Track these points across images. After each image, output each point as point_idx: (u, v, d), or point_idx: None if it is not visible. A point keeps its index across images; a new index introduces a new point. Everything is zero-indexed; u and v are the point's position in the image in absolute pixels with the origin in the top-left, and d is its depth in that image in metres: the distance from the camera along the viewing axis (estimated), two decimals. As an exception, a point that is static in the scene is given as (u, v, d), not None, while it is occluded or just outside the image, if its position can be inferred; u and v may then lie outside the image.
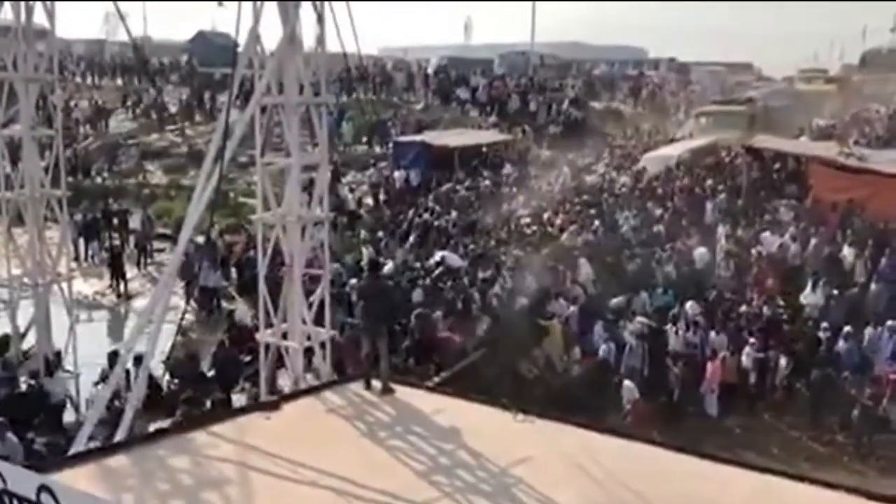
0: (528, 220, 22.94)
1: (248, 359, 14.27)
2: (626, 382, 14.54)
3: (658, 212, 22.34)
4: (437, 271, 18.37)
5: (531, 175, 28.52)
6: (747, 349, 15.25)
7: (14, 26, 13.16)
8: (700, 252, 19.30)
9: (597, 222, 21.60)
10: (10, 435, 10.79)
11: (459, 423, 8.94)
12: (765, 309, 16.56)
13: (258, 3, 10.44)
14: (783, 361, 15.01)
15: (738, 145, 28.02)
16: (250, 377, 13.23)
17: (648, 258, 19.12)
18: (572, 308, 16.96)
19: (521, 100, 38.52)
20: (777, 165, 26.07)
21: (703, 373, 15.03)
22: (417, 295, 17.24)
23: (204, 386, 13.23)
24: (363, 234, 22.62)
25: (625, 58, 66.97)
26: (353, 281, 16.56)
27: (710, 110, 35.69)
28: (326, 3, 10.66)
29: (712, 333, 15.71)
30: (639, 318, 16.20)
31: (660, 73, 57.03)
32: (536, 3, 56.10)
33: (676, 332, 15.86)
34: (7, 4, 13.03)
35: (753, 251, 19.30)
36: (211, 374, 14.39)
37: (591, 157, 30.84)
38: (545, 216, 22.91)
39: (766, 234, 20.14)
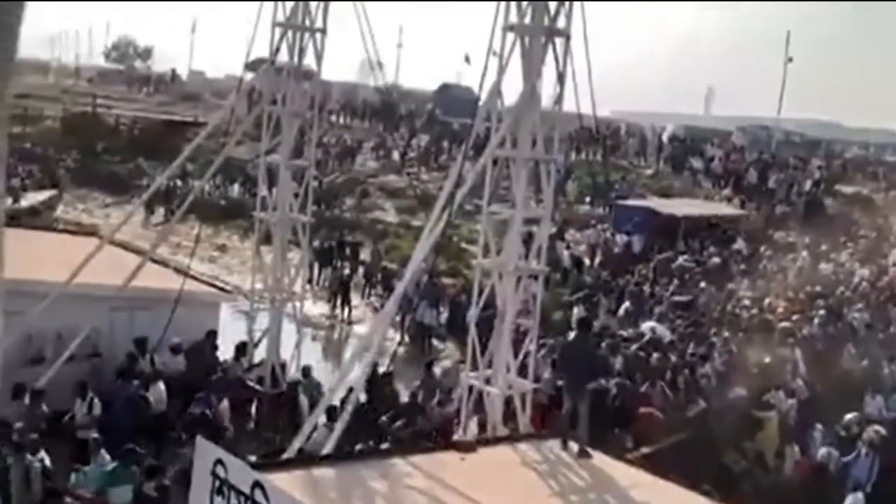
0: (748, 302, 21.64)
1: None
2: (853, 496, 13.11)
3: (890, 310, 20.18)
4: (642, 341, 17.84)
5: (763, 255, 26.97)
6: None
7: (286, 67, 14.70)
8: None
9: (822, 312, 19.94)
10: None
11: (655, 502, 8.56)
12: None
13: (503, 60, 10.90)
14: None
15: None
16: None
17: (879, 357, 17.32)
18: (791, 401, 15.74)
19: (759, 175, 36.75)
20: None
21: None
22: (618, 363, 16.85)
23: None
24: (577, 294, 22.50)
25: (882, 141, 61.80)
26: (560, 338, 16.49)
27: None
28: (568, 67, 10.91)
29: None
30: (874, 427, 14.65)
31: (922, 160, 52.03)
32: (788, 77, 53.04)
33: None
34: (284, 48, 14.59)
35: None
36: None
37: (831, 245, 28.60)
38: (767, 301, 21.50)
39: None
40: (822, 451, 14.39)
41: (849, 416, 14.82)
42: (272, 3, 14.37)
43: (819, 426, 15.00)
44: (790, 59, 52.86)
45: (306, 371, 14.97)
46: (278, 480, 7.20)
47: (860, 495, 13.02)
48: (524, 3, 10.77)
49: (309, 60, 14.76)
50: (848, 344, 18.29)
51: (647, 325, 19.05)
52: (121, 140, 42.76)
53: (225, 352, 15.14)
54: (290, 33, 14.54)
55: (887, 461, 14.07)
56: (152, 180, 26.64)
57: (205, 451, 7.55)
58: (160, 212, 32.30)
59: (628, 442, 14.59)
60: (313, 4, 14.39)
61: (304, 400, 13.99)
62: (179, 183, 32.45)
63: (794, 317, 19.87)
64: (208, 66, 78.28)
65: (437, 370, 16.25)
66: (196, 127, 38.55)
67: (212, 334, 15.03)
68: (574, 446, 9.82)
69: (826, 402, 15.96)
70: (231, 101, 17.06)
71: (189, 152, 16.28)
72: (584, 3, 10.66)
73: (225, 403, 13.05)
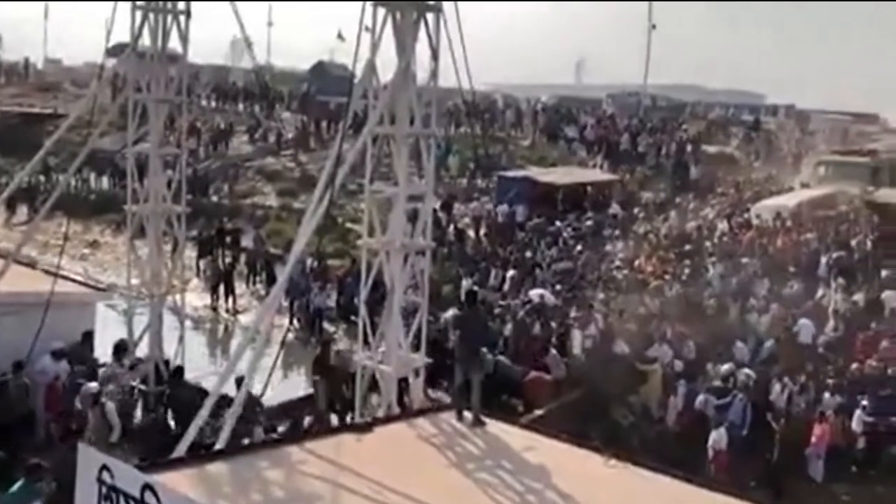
0: (622, 263, 22.53)
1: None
2: (715, 432, 13.98)
3: (753, 262, 21.43)
4: (526, 308, 18.33)
5: (636, 217, 28.10)
6: (858, 412, 14.44)
7: (150, 51, 14.08)
8: (801, 307, 18.48)
9: (686, 270, 21.01)
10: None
11: (549, 462, 8.84)
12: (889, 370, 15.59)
13: (376, 35, 10.81)
14: None
15: (859, 198, 26.76)
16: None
17: (738, 310, 18.46)
18: (670, 354, 16.56)
19: (630, 140, 38.14)
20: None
21: (808, 432, 14.30)
22: (507, 331, 17.26)
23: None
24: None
25: (741, 102, 65.25)
26: (450, 311, 16.71)
27: (830, 159, 34.27)
28: (442, 41, 10.91)
29: (826, 394, 14.90)
30: (744, 371, 15.61)
31: (777, 119, 55.28)
32: (652, 44, 55.25)
33: (783, 389, 15.15)
34: (146, 31, 13.95)
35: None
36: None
37: (699, 203, 30.09)
38: (637, 262, 22.44)
39: (887, 293, 19.10)
40: (700, 398, 15.23)
41: (724, 367, 15.71)
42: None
43: (698, 376, 15.86)
44: (654, 27, 55.05)
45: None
46: (169, 480, 6.99)
47: (723, 431, 13.91)
48: (393, -21, 10.70)
49: (174, 44, 14.21)
50: (709, 296, 19.33)
51: (534, 293, 19.53)
52: (-30, 136, 39.92)
53: (103, 353, 14.49)
54: (151, 16, 13.92)
55: (759, 403, 15.05)
56: (11, 178, 25.11)
57: (88, 458, 7.23)
58: (23, 210, 30.54)
59: (521, 409, 15.02)
60: (174, -15, 13.81)
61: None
62: (42, 179, 30.73)
63: (665, 275, 20.82)
64: (65, 54, 73.49)
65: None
66: (56, 119, 36.53)
67: (88, 336, 14.36)
68: (468, 416, 10.00)
69: (698, 352, 16.86)
70: (93, 89, 16.22)
71: (50, 145, 15.43)
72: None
73: (111, 405, 12.49)
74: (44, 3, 77.25)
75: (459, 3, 10.77)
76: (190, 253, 23.06)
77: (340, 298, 21.30)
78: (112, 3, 13.61)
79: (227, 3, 13.76)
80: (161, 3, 13.83)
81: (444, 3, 10.78)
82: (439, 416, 10.22)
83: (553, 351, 16.56)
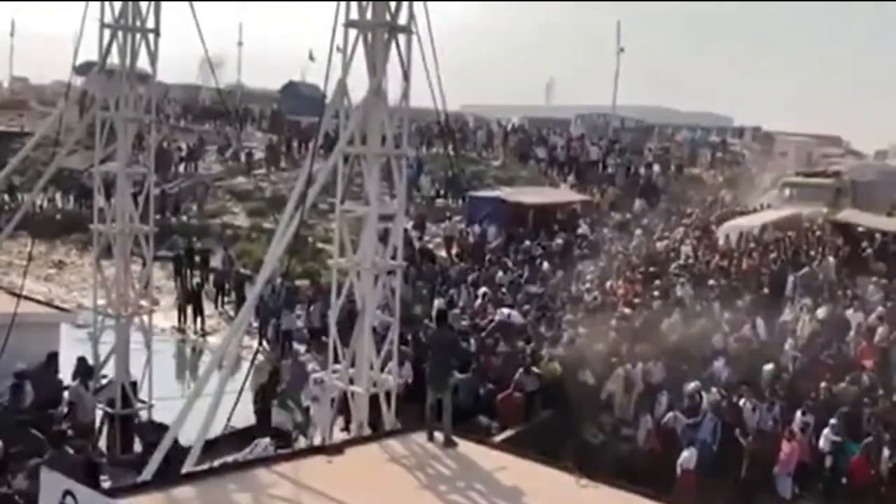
0: (590, 284, 22.65)
1: None
2: (686, 451, 14.06)
3: (720, 282, 21.66)
4: (490, 327, 18.38)
5: (605, 237, 28.32)
6: (826, 431, 14.58)
7: (118, 69, 13.96)
8: (763, 325, 18.71)
9: (656, 293, 21.17)
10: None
11: (521, 483, 8.80)
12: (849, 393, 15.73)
13: (347, 56, 10.83)
14: (886, 452, 14.07)
15: (823, 218, 27.24)
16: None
17: (706, 327, 18.66)
18: (640, 373, 16.67)
19: (598, 161, 38.54)
20: (864, 242, 25.21)
21: (777, 451, 14.41)
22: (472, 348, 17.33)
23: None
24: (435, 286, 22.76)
25: (709, 124, 66.25)
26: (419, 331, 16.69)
27: (794, 181, 34.92)
28: (414, 60, 10.97)
29: (797, 413, 15.02)
30: (714, 390, 15.71)
31: (744, 141, 56.20)
32: (620, 65, 55.97)
33: (754, 409, 15.25)
34: (114, 49, 13.83)
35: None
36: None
37: (665, 224, 30.41)
38: (608, 284, 22.57)
39: (850, 312, 19.40)
40: (669, 415, 15.30)
41: (691, 385, 15.81)
42: (98, 2, 13.59)
43: (665, 393, 15.94)
44: (622, 50, 55.80)
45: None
46: (135, 505, 6.86)
47: (693, 450, 13.98)
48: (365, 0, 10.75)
49: (144, 62, 14.11)
50: (678, 316, 19.48)
51: (503, 312, 19.56)
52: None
53: (68, 375, 14.22)
54: (120, 34, 13.81)
55: (730, 422, 15.14)
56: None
57: (51, 483, 7.06)
58: (-14, 229, 29.95)
59: (494, 429, 14.96)
60: (143, 4, 13.73)
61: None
62: (7, 198, 30.25)
63: (634, 297, 20.96)
64: (32, 72, 72.49)
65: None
66: (22, 137, 36.02)
67: (53, 357, 14.09)
68: (439, 437, 9.94)
69: (669, 372, 16.95)
70: (60, 108, 16.00)
71: (16, 164, 15.20)
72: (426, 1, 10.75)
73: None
74: (10, 19, 76.32)
75: (431, 24, 10.85)
76: (159, 273, 22.79)
77: (310, 319, 21.14)
78: (80, 20, 13.50)
79: (195, 22, 13.64)
80: (130, 22, 13.73)
81: (421, 27, 10.84)
82: (410, 436, 10.15)
83: (521, 369, 16.56)
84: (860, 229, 25.19)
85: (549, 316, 19.76)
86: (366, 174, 11.16)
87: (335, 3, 10.62)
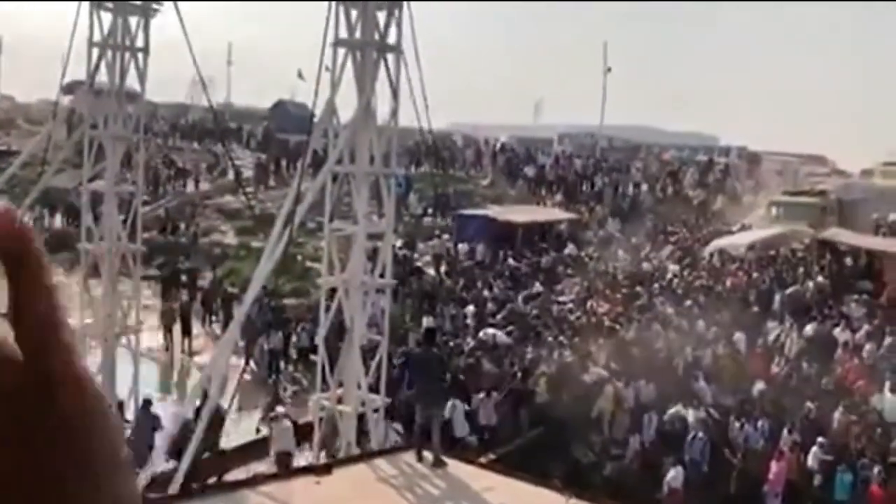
0: (573, 305, 22.68)
1: None
2: (673, 469, 14.04)
3: (707, 301, 21.71)
4: (471, 346, 18.34)
5: (592, 256, 28.37)
6: (815, 449, 14.59)
7: (107, 88, 13.96)
8: (749, 343, 18.77)
9: (638, 312, 21.21)
10: None
11: (511, 502, 8.76)
12: (837, 412, 15.76)
13: (336, 75, 10.88)
14: (875, 470, 14.08)
15: (810, 237, 27.42)
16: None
17: (693, 346, 18.70)
18: (632, 393, 16.66)
19: (586, 180, 38.73)
20: (849, 260, 25.39)
21: (766, 468, 14.41)
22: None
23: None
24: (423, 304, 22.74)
25: (696, 144, 66.74)
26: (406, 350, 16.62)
27: (781, 200, 35.11)
28: (402, 78, 11.04)
29: (784, 431, 15.04)
30: (704, 408, 15.73)
31: (730, 160, 56.60)
32: (608, 84, 56.43)
33: (741, 426, 15.27)
34: (103, 68, 13.84)
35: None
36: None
37: (651, 244, 30.50)
38: (590, 304, 22.61)
39: (837, 330, 19.49)
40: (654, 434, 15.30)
41: (676, 408, 15.80)
42: (87, 20, 13.62)
43: (653, 412, 15.94)
44: (609, 69, 56.22)
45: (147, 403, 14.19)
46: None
47: (680, 468, 13.97)
48: (353, 19, 10.81)
49: (133, 81, 14.12)
50: (663, 334, 19.51)
51: (489, 332, 19.54)
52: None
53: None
54: (109, 53, 13.83)
55: (719, 440, 15.15)
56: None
57: None
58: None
59: (482, 448, 14.90)
60: (133, 22, 13.75)
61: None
62: (-7, 216, 29.93)
63: (619, 316, 21.00)
64: (19, 90, 72.20)
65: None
66: (9, 156, 35.85)
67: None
68: (429, 457, 9.89)
69: (657, 391, 16.94)
70: (48, 126, 15.98)
71: (3, 182, 15.14)
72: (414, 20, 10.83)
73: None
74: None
75: (419, 43, 10.93)
76: (146, 291, 22.64)
77: (298, 338, 21.03)
78: (68, 39, 13.53)
79: (187, 42, 13.68)
80: (119, 41, 13.76)
81: (409, 46, 10.92)
82: (399, 456, 10.09)
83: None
84: (846, 248, 25.37)
85: (536, 334, 19.74)
86: (354, 193, 11.18)
87: (325, 18, 10.69)
